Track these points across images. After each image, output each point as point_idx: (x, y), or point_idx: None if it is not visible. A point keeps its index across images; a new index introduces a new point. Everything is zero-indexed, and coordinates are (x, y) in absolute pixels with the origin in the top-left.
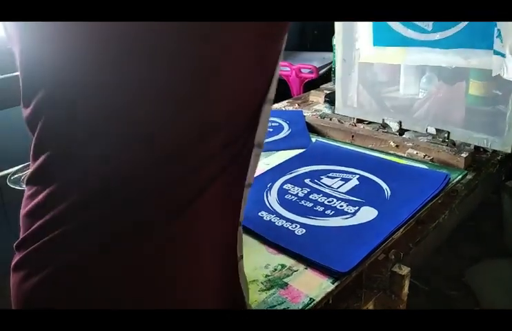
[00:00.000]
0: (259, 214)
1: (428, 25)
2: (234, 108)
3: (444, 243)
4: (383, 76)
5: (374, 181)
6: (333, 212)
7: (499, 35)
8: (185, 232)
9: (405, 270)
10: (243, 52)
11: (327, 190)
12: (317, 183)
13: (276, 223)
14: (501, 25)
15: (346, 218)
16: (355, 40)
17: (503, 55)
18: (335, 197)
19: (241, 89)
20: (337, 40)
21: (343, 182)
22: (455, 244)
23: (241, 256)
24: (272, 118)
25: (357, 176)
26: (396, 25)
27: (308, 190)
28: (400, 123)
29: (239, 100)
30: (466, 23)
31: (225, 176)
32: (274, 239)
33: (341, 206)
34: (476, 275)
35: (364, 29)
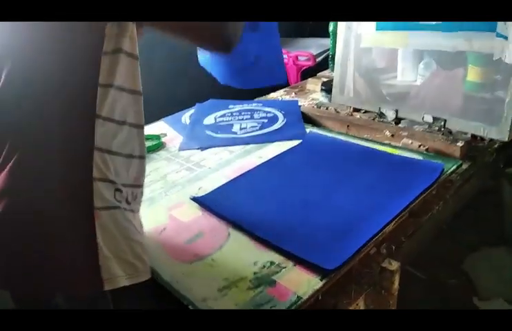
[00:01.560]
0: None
1: None
2: None
3: (441, 231)
4: (380, 63)
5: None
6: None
7: None
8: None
9: (395, 265)
10: None
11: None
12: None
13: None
14: None
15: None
16: (358, 25)
17: (505, 38)
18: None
19: None
20: (340, 25)
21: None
22: (454, 232)
23: (110, 207)
24: (267, 109)
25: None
26: None
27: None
28: (397, 111)
29: None
30: None
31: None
32: (264, 235)
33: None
34: (474, 263)
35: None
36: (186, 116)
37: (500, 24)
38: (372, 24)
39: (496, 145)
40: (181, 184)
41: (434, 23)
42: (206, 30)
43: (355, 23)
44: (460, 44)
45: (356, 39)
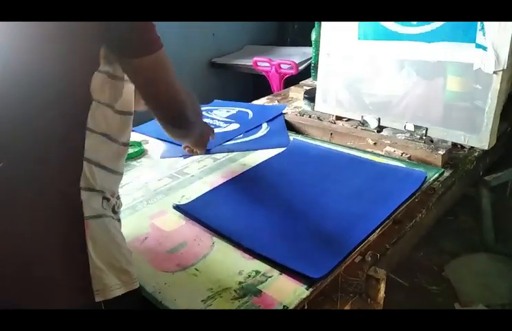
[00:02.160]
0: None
1: None
2: None
3: (423, 238)
4: (362, 72)
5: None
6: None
7: (483, 28)
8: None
9: (381, 273)
10: None
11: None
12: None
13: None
14: None
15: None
16: (340, 34)
17: (485, 48)
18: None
19: None
20: (323, 34)
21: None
22: (435, 239)
23: (98, 216)
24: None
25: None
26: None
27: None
28: (379, 119)
29: None
30: None
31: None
32: (248, 244)
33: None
34: (455, 270)
35: (350, 23)
36: None
37: (479, 35)
38: (355, 33)
39: (476, 154)
40: (163, 192)
41: (415, 33)
42: (174, 104)
43: (337, 32)
44: (440, 54)
45: (338, 48)
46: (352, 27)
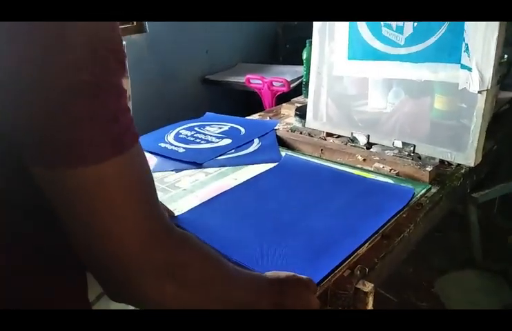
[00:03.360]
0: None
1: (401, 39)
2: None
3: (412, 254)
4: (352, 90)
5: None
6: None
7: (467, 50)
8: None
9: (369, 287)
10: None
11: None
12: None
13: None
14: (468, 40)
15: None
16: (331, 53)
17: (469, 69)
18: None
19: None
20: (313, 53)
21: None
22: (424, 255)
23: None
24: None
25: None
26: (370, 39)
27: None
28: (368, 136)
29: None
30: (436, 37)
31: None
32: (237, 258)
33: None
34: (445, 286)
35: (340, 43)
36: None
37: (464, 56)
38: (344, 53)
39: (463, 170)
40: None
41: (402, 53)
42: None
43: (327, 52)
44: (427, 74)
45: (328, 67)
46: (342, 47)
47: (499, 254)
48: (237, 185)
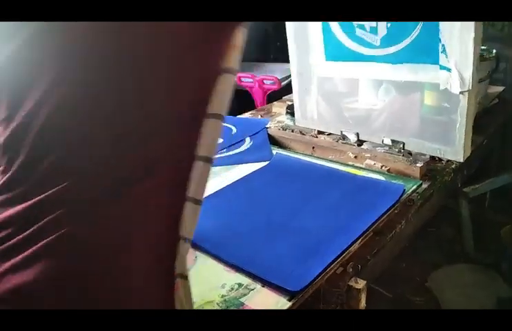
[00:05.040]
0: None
1: (376, 40)
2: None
3: (405, 250)
4: (342, 88)
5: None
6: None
7: (444, 50)
8: (119, 216)
9: (361, 284)
10: (176, 52)
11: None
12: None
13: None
14: (445, 40)
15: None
16: (308, 54)
17: (449, 70)
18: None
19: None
20: (291, 55)
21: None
22: (417, 250)
23: (185, 276)
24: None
25: None
26: (345, 41)
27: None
28: (357, 134)
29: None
30: (411, 38)
31: (157, 178)
32: (230, 259)
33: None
34: (437, 280)
35: (315, 44)
36: None
37: (442, 57)
38: (322, 55)
39: (453, 166)
40: None
41: (379, 55)
42: None
43: (304, 54)
44: (407, 75)
45: (308, 69)
46: (317, 48)
47: (492, 248)
48: (228, 185)
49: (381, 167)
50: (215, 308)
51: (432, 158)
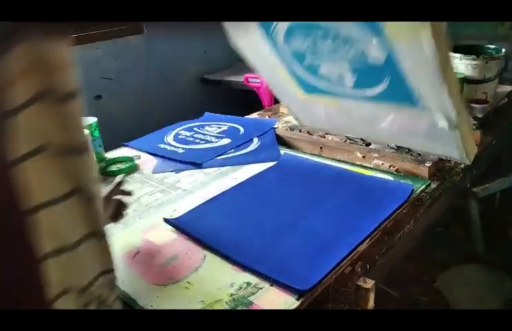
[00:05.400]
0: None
1: (348, 86)
2: None
3: (414, 250)
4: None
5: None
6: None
7: (420, 95)
8: None
9: (370, 283)
10: None
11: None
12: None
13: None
14: (418, 88)
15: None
16: (285, 90)
17: (431, 110)
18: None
19: None
20: (272, 88)
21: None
22: (426, 250)
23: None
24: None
25: None
26: (319, 82)
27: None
28: (362, 140)
29: None
30: (384, 86)
31: None
32: (238, 258)
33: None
34: (447, 281)
35: (289, 82)
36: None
37: (420, 99)
38: (299, 89)
39: (462, 165)
40: (155, 207)
41: (360, 93)
42: None
43: (282, 90)
44: (390, 112)
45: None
46: (292, 85)
47: (501, 248)
48: (236, 185)
49: (390, 167)
50: (224, 307)
51: (441, 158)
